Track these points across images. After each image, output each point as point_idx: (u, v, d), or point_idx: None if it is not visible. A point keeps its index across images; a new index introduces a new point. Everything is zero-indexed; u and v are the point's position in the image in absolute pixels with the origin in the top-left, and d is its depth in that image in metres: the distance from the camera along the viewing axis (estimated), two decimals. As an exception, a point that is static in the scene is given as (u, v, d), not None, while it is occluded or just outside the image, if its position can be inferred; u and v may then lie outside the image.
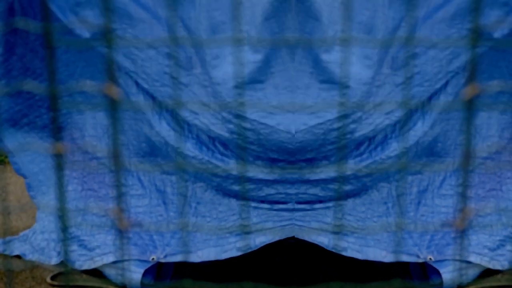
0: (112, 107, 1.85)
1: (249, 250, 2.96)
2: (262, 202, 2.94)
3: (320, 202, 2.92)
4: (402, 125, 2.81)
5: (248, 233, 2.92)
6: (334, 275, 3.12)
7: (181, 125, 2.80)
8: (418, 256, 2.94)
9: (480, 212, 2.89)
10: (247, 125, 2.74)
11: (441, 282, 2.92)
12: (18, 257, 3.16)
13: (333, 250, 2.94)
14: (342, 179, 2.84)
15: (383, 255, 2.94)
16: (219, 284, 2.86)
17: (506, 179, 2.96)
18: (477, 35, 1.98)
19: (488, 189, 2.95)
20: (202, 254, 2.96)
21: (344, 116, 2.72)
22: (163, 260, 2.96)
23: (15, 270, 3.12)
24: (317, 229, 2.90)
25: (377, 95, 2.75)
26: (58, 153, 1.82)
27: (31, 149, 2.90)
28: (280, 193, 2.90)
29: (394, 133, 2.84)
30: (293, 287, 2.98)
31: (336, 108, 2.68)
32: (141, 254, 2.95)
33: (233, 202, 2.94)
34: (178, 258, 2.97)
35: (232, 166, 2.80)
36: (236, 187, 2.88)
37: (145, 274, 2.95)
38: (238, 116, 2.73)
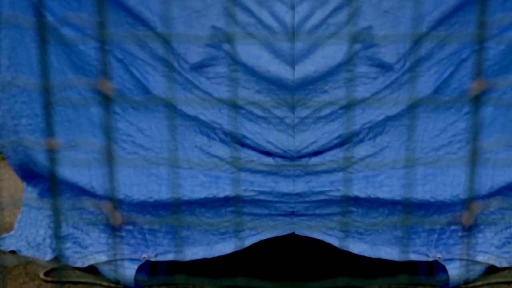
0: (106, 102, 1.85)
1: (239, 248, 2.95)
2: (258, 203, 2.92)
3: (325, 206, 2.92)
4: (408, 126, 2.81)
5: (240, 231, 2.92)
6: (339, 271, 3.13)
7: (176, 121, 2.80)
8: (427, 255, 2.94)
9: (486, 208, 2.89)
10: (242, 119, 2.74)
11: (448, 278, 2.92)
12: (12, 252, 3.16)
13: (343, 248, 2.94)
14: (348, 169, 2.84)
15: (393, 254, 2.96)
16: (211, 280, 2.86)
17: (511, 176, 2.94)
18: (483, 30, 1.97)
19: (493, 186, 2.93)
20: (192, 252, 2.97)
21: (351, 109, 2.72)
22: (154, 259, 2.95)
23: (8, 265, 3.13)
24: (324, 226, 2.90)
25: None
26: (51, 149, 1.82)
27: (25, 145, 2.90)
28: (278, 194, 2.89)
29: (398, 128, 2.83)
30: (291, 283, 2.99)
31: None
32: (133, 253, 2.95)
33: (225, 210, 2.94)
34: (169, 257, 2.96)
35: (228, 159, 2.80)
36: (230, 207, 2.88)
37: (139, 270, 2.95)
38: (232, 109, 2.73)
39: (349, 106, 2.74)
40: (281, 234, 2.93)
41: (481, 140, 2.79)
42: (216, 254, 2.95)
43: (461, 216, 2.87)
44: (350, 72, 2.69)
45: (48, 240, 3.09)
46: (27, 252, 3.11)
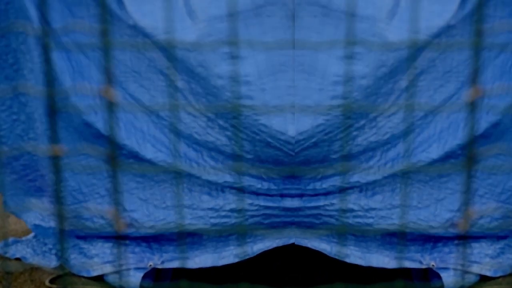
0: (110, 109, 1.86)
1: (247, 257, 2.97)
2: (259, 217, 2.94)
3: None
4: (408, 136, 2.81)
5: (247, 240, 2.93)
6: (334, 276, 3.13)
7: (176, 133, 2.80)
8: (421, 262, 2.95)
9: (482, 214, 2.88)
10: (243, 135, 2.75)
11: (442, 285, 2.93)
12: (17, 259, 3.17)
13: (336, 257, 2.95)
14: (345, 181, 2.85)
15: (386, 262, 2.95)
16: (215, 286, 2.87)
17: (506, 182, 2.93)
18: (480, 37, 1.98)
19: (489, 192, 2.92)
20: (200, 260, 2.98)
21: (349, 119, 2.72)
22: (160, 266, 2.97)
23: (14, 272, 3.14)
24: (318, 232, 2.91)
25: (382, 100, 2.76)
26: (56, 155, 1.83)
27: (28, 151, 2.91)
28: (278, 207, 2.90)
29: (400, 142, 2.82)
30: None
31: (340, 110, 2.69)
32: (138, 261, 2.97)
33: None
34: (175, 264, 2.98)
35: (226, 170, 2.82)
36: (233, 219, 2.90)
37: (144, 277, 2.96)
38: (234, 126, 2.73)
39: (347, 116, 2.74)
40: (284, 244, 2.95)
41: (477, 147, 2.78)
42: (224, 263, 2.97)
43: (457, 222, 2.87)
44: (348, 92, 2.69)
45: (53, 248, 3.10)
46: (33, 260, 3.12)
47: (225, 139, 2.78)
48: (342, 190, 2.84)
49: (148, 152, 2.80)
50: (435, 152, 2.81)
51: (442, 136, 2.81)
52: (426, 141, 2.82)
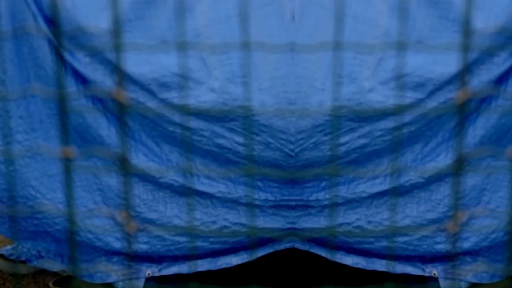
0: (121, 111, 1.87)
1: (245, 261, 3.00)
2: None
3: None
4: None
5: (249, 244, 2.95)
6: (327, 278, 3.16)
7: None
8: (423, 270, 2.99)
9: (473, 215, 2.91)
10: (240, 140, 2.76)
11: (439, 287, 2.98)
12: (22, 262, 3.17)
13: (337, 260, 2.99)
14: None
15: (388, 266, 2.99)
16: (224, 287, 2.88)
17: (494, 182, 2.95)
18: (469, 38, 2.00)
19: (478, 192, 2.94)
20: (196, 264, 2.99)
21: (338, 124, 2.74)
22: (157, 274, 3.00)
23: (19, 274, 3.14)
24: (316, 235, 2.93)
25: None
26: (67, 157, 1.83)
27: (40, 153, 2.90)
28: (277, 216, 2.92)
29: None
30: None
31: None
32: (138, 271, 2.99)
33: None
34: (172, 270, 3.02)
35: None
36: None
37: (147, 278, 3.00)
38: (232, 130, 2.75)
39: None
40: (284, 248, 2.98)
41: (466, 148, 2.80)
42: (222, 266, 3.00)
43: (447, 225, 2.89)
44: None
45: (57, 250, 3.10)
46: (37, 262, 3.13)
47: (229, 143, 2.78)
48: (346, 202, 2.86)
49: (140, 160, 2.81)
50: (443, 161, 2.83)
51: (450, 145, 2.83)
52: (433, 150, 2.84)
